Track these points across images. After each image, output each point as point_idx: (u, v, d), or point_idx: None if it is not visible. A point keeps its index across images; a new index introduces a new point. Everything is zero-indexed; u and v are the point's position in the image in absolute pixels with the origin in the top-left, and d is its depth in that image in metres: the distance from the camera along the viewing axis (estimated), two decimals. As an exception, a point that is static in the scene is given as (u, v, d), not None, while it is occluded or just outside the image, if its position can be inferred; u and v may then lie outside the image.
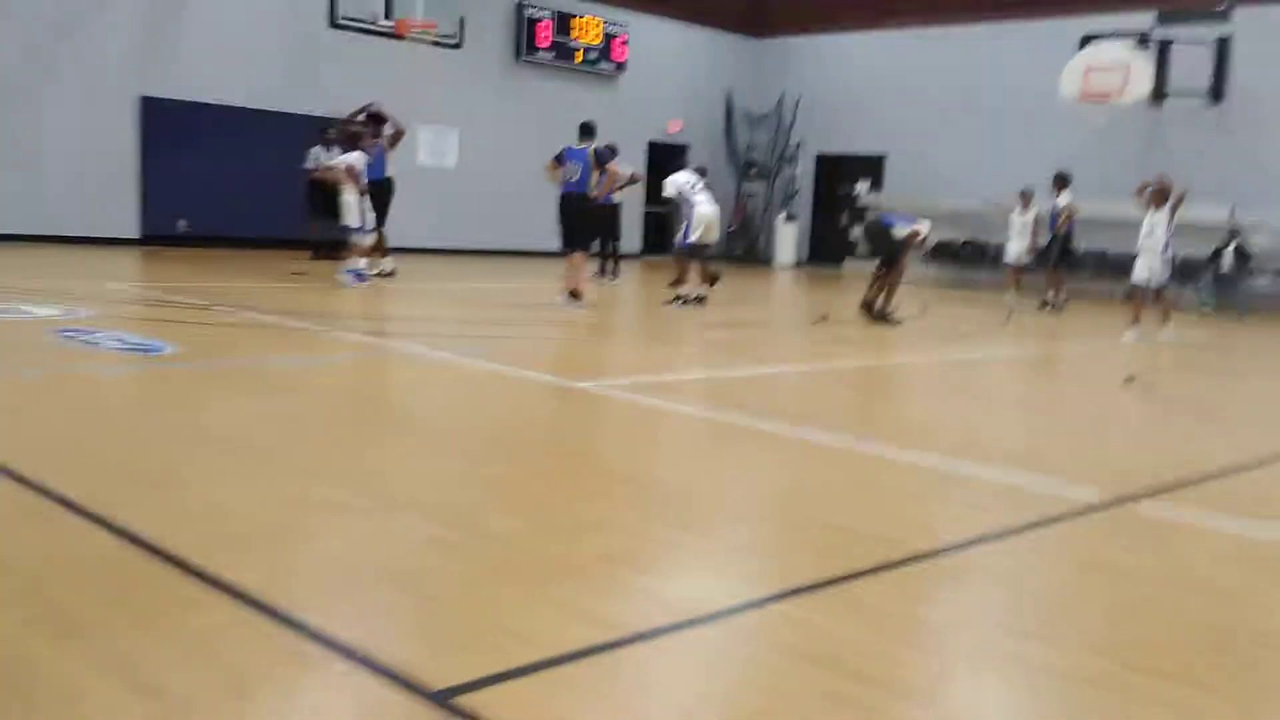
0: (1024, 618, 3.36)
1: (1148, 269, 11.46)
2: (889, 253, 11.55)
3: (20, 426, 5.06)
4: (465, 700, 2.53)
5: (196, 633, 2.83)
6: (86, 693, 2.49)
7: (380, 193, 12.86)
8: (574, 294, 11.44)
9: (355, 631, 2.88)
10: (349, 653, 2.74)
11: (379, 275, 12.89)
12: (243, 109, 16.66)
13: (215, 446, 4.83)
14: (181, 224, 16.53)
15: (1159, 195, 11.39)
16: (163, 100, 16.23)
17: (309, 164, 14.59)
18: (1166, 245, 11.41)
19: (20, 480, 4.04)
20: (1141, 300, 11.58)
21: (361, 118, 13.76)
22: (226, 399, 5.93)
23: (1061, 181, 14.98)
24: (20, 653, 2.66)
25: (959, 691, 2.84)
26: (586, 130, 11.72)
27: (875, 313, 11.50)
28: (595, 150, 11.60)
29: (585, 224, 11.84)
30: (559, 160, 11.49)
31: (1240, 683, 2.95)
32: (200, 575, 3.21)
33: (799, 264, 23.31)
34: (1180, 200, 11.36)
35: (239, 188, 16.59)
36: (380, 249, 13.16)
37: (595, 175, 11.58)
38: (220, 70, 16.69)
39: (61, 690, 2.50)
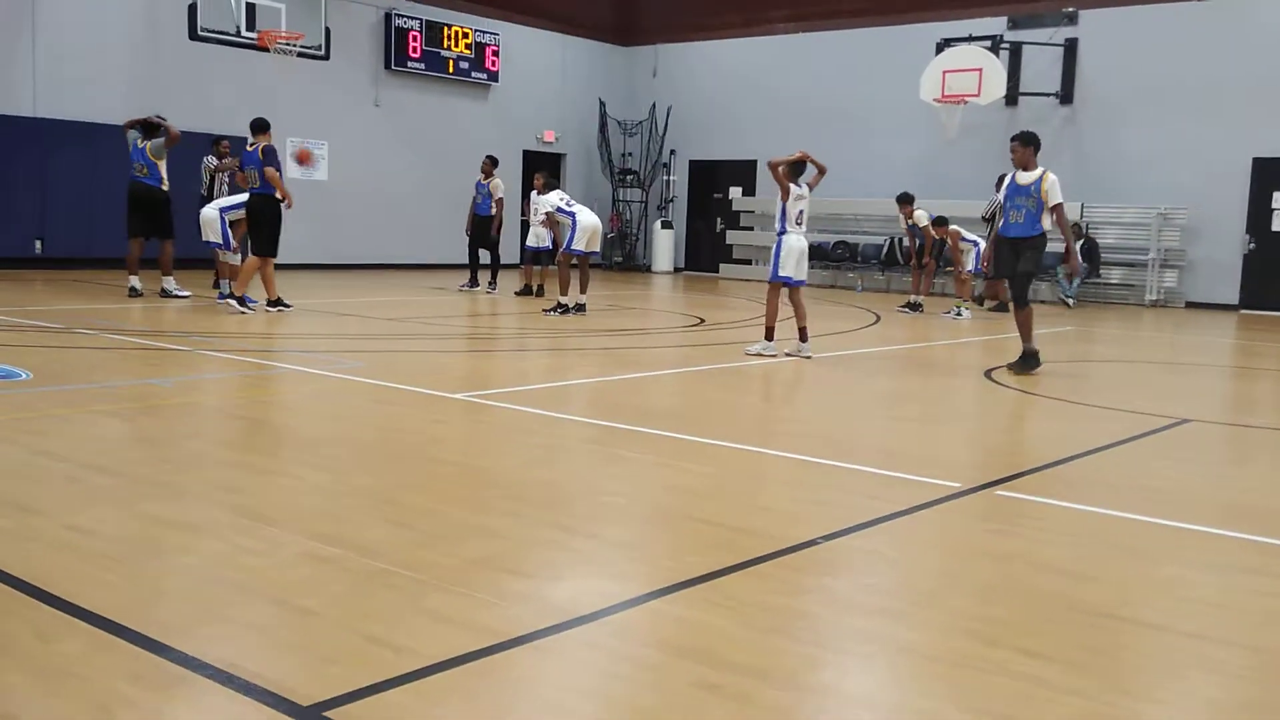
0: (890, 601, 3.48)
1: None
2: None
3: None
4: (337, 714, 2.51)
5: (55, 661, 2.74)
6: (-64, 730, 2.40)
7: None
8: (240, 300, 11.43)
9: (224, 651, 2.83)
10: (218, 673, 2.69)
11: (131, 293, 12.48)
12: (99, 125, 16.08)
13: (73, 471, 4.67)
14: (38, 245, 15.89)
15: (774, 169, 9.18)
16: (14, 118, 15.57)
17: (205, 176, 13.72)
18: (781, 233, 9.22)
19: None
20: (775, 304, 9.43)
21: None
22: (85, 422, 5.73)
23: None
24: None
25: (825, 675, 2.93)
26: (260, 126, 11.65)
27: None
28: (264, 148, 11.46)
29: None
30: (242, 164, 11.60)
31: (1093, 655, 3.10)
32: (58, 602, 3.11)
33: (676, 270, 23.56)
34: (786, 176, 9.06)
35: (98, 206, 16.00)
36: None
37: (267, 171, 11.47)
38: (74, 85, 16.08)
39: (-91, 729, 2.40)
